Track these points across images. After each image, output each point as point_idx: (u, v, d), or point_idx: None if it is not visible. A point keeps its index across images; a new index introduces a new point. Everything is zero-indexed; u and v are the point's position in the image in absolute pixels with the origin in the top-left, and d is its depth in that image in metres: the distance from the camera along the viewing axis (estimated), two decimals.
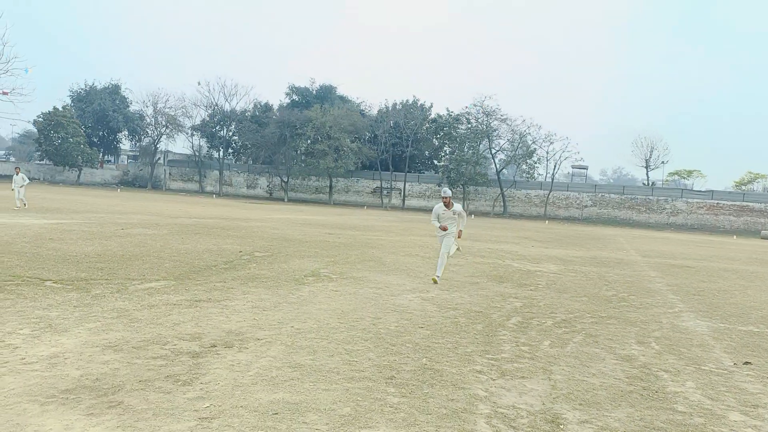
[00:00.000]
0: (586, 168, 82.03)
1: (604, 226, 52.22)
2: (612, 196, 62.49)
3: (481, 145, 63.30)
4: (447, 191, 10.56)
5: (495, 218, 54.86)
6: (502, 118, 62.57)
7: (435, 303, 8.54)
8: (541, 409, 4.41)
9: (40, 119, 65.54)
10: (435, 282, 10.43)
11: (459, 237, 10.82)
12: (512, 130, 62.86)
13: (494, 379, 5.04)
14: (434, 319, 7.37)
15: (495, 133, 63.42)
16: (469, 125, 63.96)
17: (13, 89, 53.21)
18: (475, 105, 63.68)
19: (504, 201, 63.25)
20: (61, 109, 66.82)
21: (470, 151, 62.46)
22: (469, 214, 53.44)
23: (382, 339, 6.13)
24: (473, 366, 5.39)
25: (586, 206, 62.86)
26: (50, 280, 8.25)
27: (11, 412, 3.68)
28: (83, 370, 4.57)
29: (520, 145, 62.48)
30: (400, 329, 6.64)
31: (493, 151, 64.48)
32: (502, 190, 63.14)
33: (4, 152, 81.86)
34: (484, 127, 63.05)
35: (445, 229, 10.41)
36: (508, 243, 22.20)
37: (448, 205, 10.42)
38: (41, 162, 71.71)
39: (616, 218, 61.02)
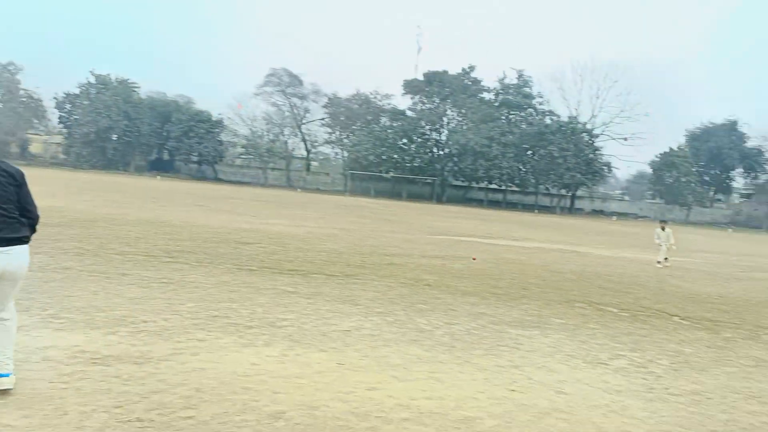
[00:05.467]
0: None
1: None
2: None
3: None
4: None
5: None
6: None
7: None
8: None
9: (657, 159, 66.74)
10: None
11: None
12: None
13: None
14: None
15: None
16: None
17: (633, 134, 62.14)
18: None
19: None
20: (676, 149, 66.55)
21: None
22: None
23: None
24: None
25: None
26: (677, 315, 8.75)
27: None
28: (728, 414, 4.67)
29: None
30: None
31: None
32: None
33: (620, 192, 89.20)
34: None
35: None
36: None
37: None
38: (653, 201, 71.52)
39: None
